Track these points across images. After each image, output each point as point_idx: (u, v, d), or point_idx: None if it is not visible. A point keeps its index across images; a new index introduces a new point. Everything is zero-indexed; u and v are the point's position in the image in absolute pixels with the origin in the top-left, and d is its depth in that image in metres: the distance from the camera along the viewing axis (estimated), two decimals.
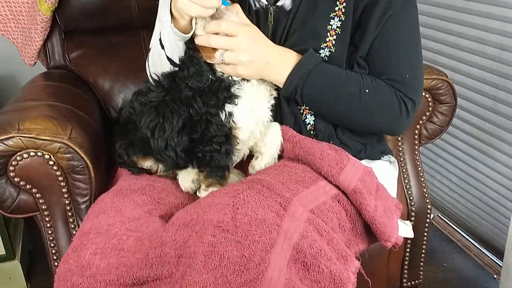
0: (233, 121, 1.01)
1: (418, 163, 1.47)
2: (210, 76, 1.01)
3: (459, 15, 1.82)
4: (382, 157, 1.20)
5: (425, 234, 1.49)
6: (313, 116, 1.10)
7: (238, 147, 1.05)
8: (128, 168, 1.13)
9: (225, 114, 1.00)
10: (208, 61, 1.00)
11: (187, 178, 1.09)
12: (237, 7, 1.01)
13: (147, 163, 1.10)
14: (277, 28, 1.08)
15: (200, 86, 1.00)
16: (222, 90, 1.01)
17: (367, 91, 1.04)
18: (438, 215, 2.14)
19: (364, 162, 1.13)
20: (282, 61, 1.03)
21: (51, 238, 1.17)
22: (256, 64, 1.01)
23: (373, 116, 1.07)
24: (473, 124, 1.85)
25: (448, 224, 2.09)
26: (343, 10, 1.04)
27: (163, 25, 1.05)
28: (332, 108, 1.06)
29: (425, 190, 1.46)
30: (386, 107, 1.06)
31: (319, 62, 1.03)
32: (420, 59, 1.10)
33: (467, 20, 1.79)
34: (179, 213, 0.91)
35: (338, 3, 1.04)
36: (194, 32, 1.00)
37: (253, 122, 1.05)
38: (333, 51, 1.05)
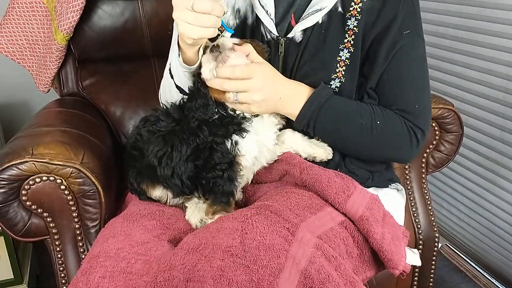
0: (238, 149, 1.03)
1: (425, 191, 1.47)
2: (215, 110, 1.02)
3: (465, 46, 1.85)
4: (389, 185, 1.21)
5: (433, 263, 1.48)
6: None
7: (242, 173, 1.06)
8: (139, 196, 1.15)
9: (231, 143, 1.02)
10: (219, 100, 1.02)
11: (196, 215, 1.09)
12: (248, 47, 1.02)
13: (156, 193, 1.11)
14: (287, 59, 1.10)
15: (206, 119, 1.02)
16: (233, 124, 1.03)
17: (378, 122, 1.06)
18: (446, 244, 2.12)
19: (372, 190, 1.13)
20: (294, 96, 1.05)
21: (60, 262, 1.18)
22: (269, 101, 1.03)
23: (384, 146, 1.10)
24: (481, 153, 1.85)
25: (457, 253, 2.07)
26: (352, 42, 1.06)
27: (171, 56, 1.07)
28: (344, 140, 1.09)
29: (432, 218, 1.46)
30: (397, 137, 1.09)
31: (330, 95, 1.05)
32: (428, 89, 1.13)
33: (474, 51, 1.82)
34: (188, 237, 0.91)
35: (347, 35, 1.06)
36: (199, 64, 1.02)
37: (257, 150, 1.06)
38: (343, 81, 1.08)
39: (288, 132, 1.11)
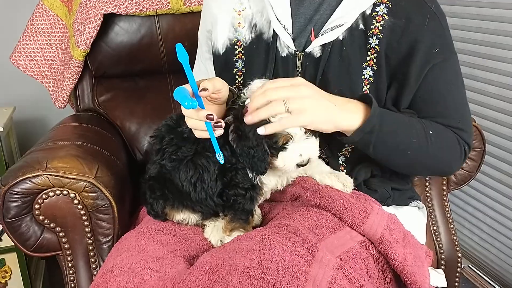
0: (258, 180, 1.01)
1: (447, 209, 1.42)
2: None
3: (485, 62, 1.83)
4: (410, 203, 1.17)
5: (456, 285, 1.42)
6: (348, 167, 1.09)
7: (263, 196, 1.05)
8: (155, 218, 1.11)
9: (252, 173, 0.99)
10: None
11: (215, 235, 1.06)
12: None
13: (180, 217, 1.08)
14: (305, 74, 1.08)
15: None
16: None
17: (430, 132, 1.02)
18: (468, 266, 2.05)
19: (391, 208, 1.10)
20: (348, 106, 0.96)
21: (71, 278, 1.16)
22: (324, 107, 0.92)
23: (440, 157, 1.06)
24: (503, 171, 1.81)
25: (480, 275, 2.00)
26: (374, 60, 1.04)
27: None
28: (403, 153, 1.02)
29: (455, 237, 1.41)
30: (450, 148, 1.06)
31: (384, 111, 1.00)
32: (467, 103, 1.10)
33: (493, 67, 1.79)
34: (204, 257, 0.89)
35: (369, 53, 1.04)
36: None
37: (278, 180, 1.04)
38: None
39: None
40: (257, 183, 1.00)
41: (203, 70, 1.26)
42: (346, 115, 0.95)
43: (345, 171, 1.10)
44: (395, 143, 1.00)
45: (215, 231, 1.06)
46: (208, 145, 0.99)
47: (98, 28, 1.51)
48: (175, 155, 1.02)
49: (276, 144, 0.92)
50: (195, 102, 0.83)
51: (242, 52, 1.12)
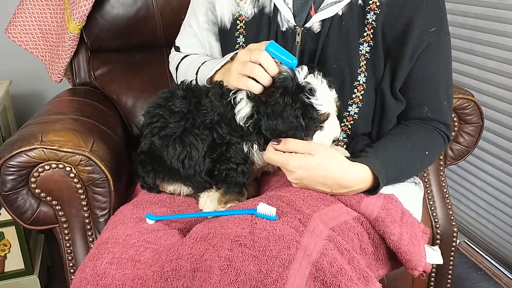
0: (254, 155, 1.02)
1: (443, 184, 1.42)
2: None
3: (485, 36, 1.80)
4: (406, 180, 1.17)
5: (451, 259, 1.43)
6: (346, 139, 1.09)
7: (255, 171, 1.05)
8: (149, 190, 1.13)
9: (248, 147, 1.00)
10: None
11: (209, 206, 1.07)
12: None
13: (171, 188, 1.10)
14: (304, 50, 1.07)
15: (228, 118, 0.99)
16: (259, 135, 1.00)
17: (427, 153, 1.06)
18: (464, 241, 2.07)
19: (389, 186, 1.10)
20: (357, 184, 0.98)
21: (69, 251, 1.17)
22: (315, 187, 0.98)
23: (433, 162, 1.18)
24: (501, 147, 1.80)
25: (476, 250, 2.02)
26: (371, 36, 1.04)
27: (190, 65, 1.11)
28: (406, 178, 1.13)
29: (450, 212, 1.41)
30: (440, 152, 1.17)
31: (385, 170, 0.99)
32: (452, 83, 1.12)
33: (493, 41, 1.76)
34: (197, 226, 0.90)
35: (366, 29, 1.04)
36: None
37: None
38: (367, 75, 1.05)
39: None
40: (249, 158, 1.01)
41: (201, 40, 1.23)
42: (352, 192, 0.99)
43: (344, 146, 1.10)
44: (399, 180, 1.08)
45: (209, 201, 1.07)
46: (200, 123, 1.00)
47: (94, 1, 1.48)
48: (164, 131, 1.02)
49: (317, 121, 0.95)
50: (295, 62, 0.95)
51: (244, 27, 1.11)
